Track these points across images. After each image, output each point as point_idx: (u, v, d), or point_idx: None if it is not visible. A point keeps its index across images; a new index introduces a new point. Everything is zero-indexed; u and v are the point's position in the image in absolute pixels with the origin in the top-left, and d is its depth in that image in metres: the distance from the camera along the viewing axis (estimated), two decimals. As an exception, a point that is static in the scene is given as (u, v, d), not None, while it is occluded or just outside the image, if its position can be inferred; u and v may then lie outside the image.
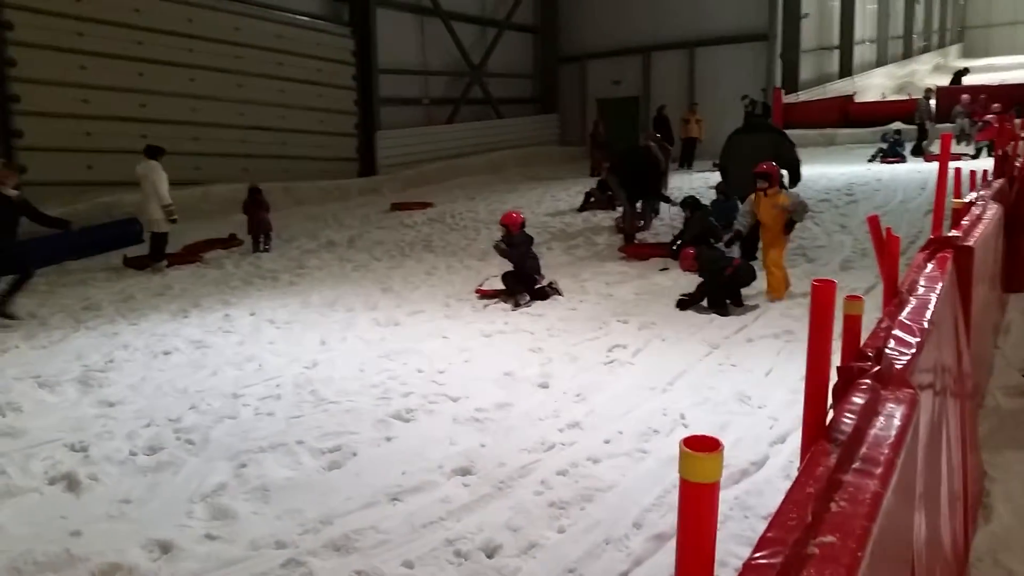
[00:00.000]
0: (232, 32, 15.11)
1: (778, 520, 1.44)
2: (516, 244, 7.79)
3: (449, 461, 4.16)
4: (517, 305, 7.45)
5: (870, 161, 16.89)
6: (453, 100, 20.68)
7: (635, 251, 9.63)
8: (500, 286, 7.83)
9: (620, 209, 10.94)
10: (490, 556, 3.32)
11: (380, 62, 18.00)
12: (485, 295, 7.80)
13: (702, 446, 1.19)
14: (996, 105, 17.45)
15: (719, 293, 7.10)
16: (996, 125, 15.81)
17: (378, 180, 17.57)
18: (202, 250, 10.59)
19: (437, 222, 13.20)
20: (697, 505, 1.19)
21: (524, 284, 7.66)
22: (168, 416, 5.01)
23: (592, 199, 13.35)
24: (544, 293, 7.71)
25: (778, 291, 7.32)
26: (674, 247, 8.68)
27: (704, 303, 7.07)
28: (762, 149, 8.46)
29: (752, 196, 7.39)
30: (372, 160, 18.01)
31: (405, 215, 14.00)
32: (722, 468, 1.19)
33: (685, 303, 7.15)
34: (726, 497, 3.69)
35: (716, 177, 11.23)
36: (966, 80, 26.23)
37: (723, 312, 6.92)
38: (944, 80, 26.89)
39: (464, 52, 20.66)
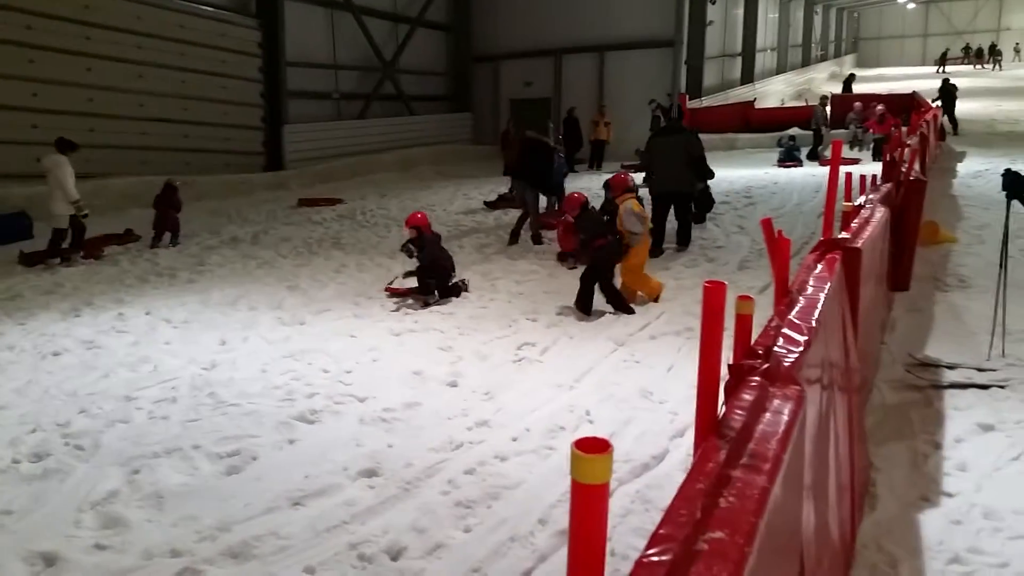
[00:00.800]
0: (132, 21, 14.44)
1: (669, 516, 1.47)
2: (427, 244, 7.70)
3: (354, 463, 4.10)
4: (426, 304, 7.41)
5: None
6: (364, 95, 20.38)
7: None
8: (410, 283, 7.76)
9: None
10: (394, 559, 3.29)
11: (288, 55, 17.56)
12: (395, 293, 7.70)
13: (592, 448, 1.21)
14: (880, 107, 18.43)
15: (605, 278, 6.99)
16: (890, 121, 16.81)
17: (285, 175, 17.15)
18: (96, 246, 10.08)
19: (347, 218, 12.99)
20: (588, 506, 1.20)
21: (436, 281, 7.60)
22: (56, 421, 4.77)
23: (505, 198, 13.37)
24: (456, 288, 7.70)
25: (652, 292, 7.43)
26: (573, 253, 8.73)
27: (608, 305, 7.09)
28: (677, 148, 9.37)
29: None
30: (279, 154, 17.56)
31: (313, 211, 13.72)
32: (611, 469, 1.20)
33: (585, 305, 7.00)
34: (628, 491, 3.78)
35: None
36: (857, 88, 27.59)
37: (622, 307, 6.97)
38: (839, 88, 28.22)
39: (376, 48, 20.39)
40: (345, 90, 19.94)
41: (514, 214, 12.28)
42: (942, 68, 40.64)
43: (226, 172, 16.03)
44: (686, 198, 9.64)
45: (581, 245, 7.16)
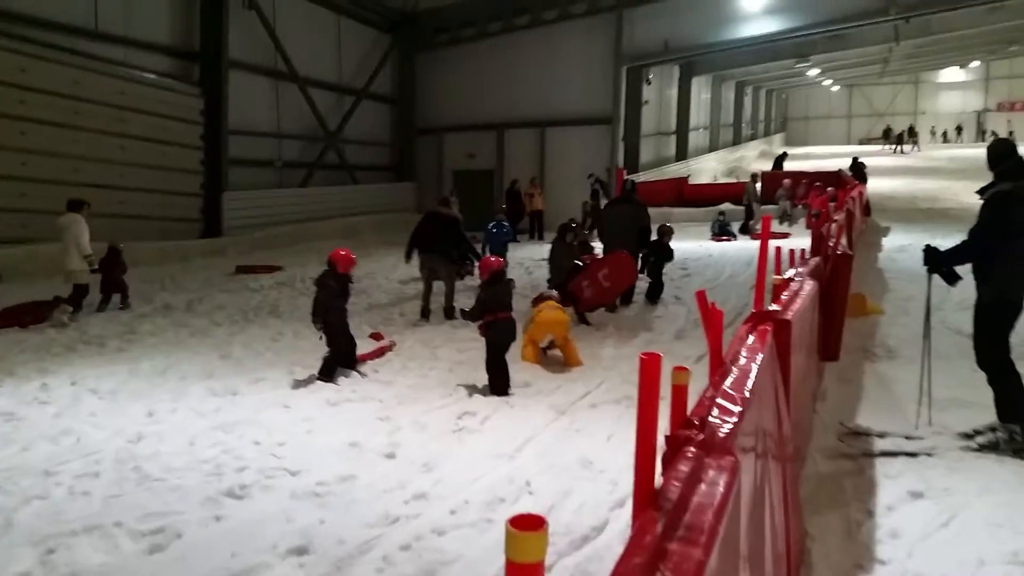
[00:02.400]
0: (70, 86, 14.25)
1: (607, 592, 1.45)
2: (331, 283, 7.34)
3: (284, 540, 3.94)
4: (326, 374, 7.11)
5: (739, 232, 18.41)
6: (308, 164, 20.42)
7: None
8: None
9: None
10: (325, 641, 3.15)
11: (231, 123, 17.54)
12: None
13: (527, 525, 1.19)
14: (817, 184, 19.32)
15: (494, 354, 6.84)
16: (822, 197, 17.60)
17: (223, 242, 16.91)
18: (24, 313, 9.68)
19: (286, 286, 12.81)
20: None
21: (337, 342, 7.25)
22: (-35, 499, 4.48)
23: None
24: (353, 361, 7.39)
25: (574, 360, 7.69)
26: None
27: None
28: (626, 217, 10.74)
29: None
30: (218, 221, 17.34)
31: (251, 278, 13.51)
32: (546, 547, 1.19)
33: (499, 386, 6.76)
34: (568, 564, 3.72)
35: None
36: (786, 165, 28.86)
37: (497, 388, 6.72)
38: (768, 165, 29.46)
39: (320, 118, 20.55)
40: (288, 158, 19.96)
41: (408, 303, 11.47)
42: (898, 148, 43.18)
43: (162, 238, 15.73)
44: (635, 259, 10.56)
45: (476, 313, 6.90)
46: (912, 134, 46.02)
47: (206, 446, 5.38)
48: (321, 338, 7.31)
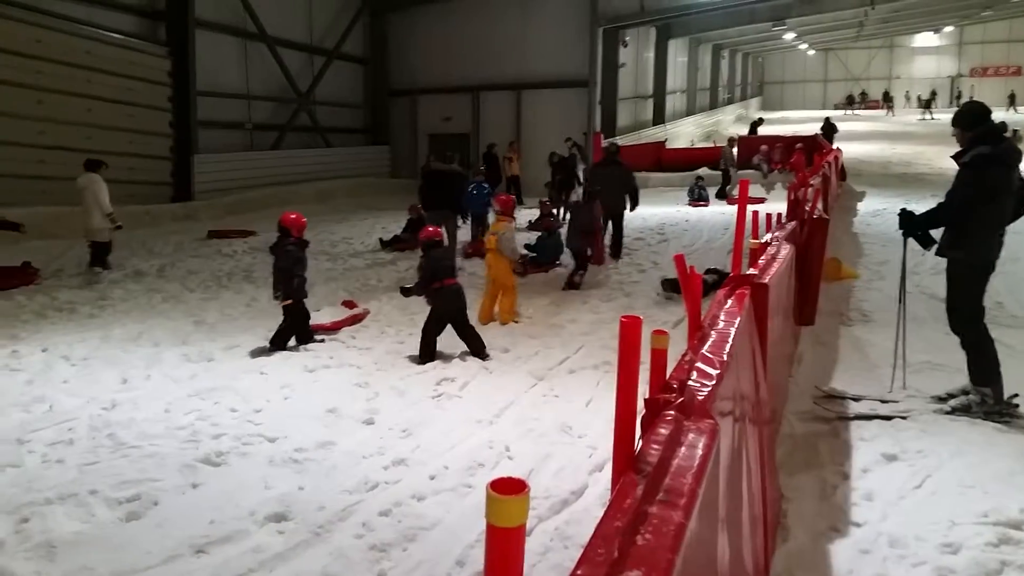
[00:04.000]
0: (32, 45, 13.80)
1: (587, 556, 1.44)
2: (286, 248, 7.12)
3: (263, 507, 3.93)
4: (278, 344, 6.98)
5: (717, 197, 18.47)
6: (279, 127, 20.06)
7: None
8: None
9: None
10: (304, 606, 3.15)
11: (200, 84, 17.14)
12: (316, 329, 7.46)
13: (508, 489, 1.17)
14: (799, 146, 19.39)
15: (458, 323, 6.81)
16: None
17: (195, 206, 16.63)
18: None
19: (259, 251, 12.62)
20: (503, 548, 1.17)
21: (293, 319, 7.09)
22: (-64, 467, 4.41)
23: (401, 239, 12.87)
24: (309, 335, 7.18)
25: (507, 315, 7.96)
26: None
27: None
28: (617, 177, 11.49)
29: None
30: (188, 185, 17.03)
31: (224, 243, 13.31)
32: (527, 511, 1.17)
33: (425, 353, 6.71)
34: (547, 528, 3.75)
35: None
36: (762, 130, 28.87)
37: (479, 352, 6.74)
38: (745, 129, 29.44)
39: (291, 79, 20.15)
40: (258, 121, 19.58)
41: (410, 257, 11.70)
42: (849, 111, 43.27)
43: (131, 203, 15.41)
44: (619, 217, 11.57)
45: (424, 282, 6.87)
46: (887, 98, 46.18)
47: (182, 413, 5.34)
48: (281, 306, 7.08)
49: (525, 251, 9.89)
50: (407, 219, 13.32)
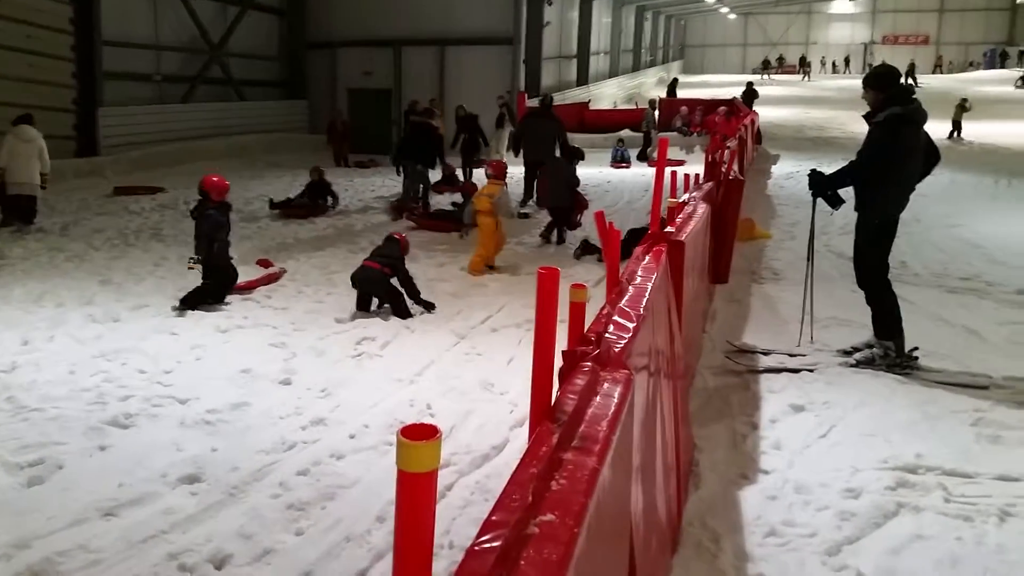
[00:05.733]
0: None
1: (502, 502, 1.45)
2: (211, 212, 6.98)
3: (174, 469, 3.81)
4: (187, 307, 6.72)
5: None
6: (189, 79, 19.18)
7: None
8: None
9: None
10: (219, 567, 3.09)
11: (105, 33, 16.21)
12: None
13: (419, 435, 1.15)
14: (723, 108, 19.71)
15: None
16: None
17: (100, 161, 15.80)
18: None
19: (169, 208, 12.17)
20: (415, 495, 1.15)
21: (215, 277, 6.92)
22: None
23: (293, 204, 11.93)
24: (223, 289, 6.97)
25: (474, 268, 8.18)
26: None
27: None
28: (549, 129, 11.72)
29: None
30: (94, 139, 16.16)
31: (131, 200, 12.73)
32: (439, 456, 1.15)
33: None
34: (468, 482, 3.77)
35: None
36: (682, 93, 29.25)
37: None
38: (664, 92, 29.76)
39: (202, 28, 19.24)
40: (168, 72, 18.66)
41: (303, 226, 11.15)
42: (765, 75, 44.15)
43: (31, 157, 14.57)
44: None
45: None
46: (804, 64, 47.33)
47: (87, 375, 5.11)
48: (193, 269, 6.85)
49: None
50: (307, 182, 12.30)
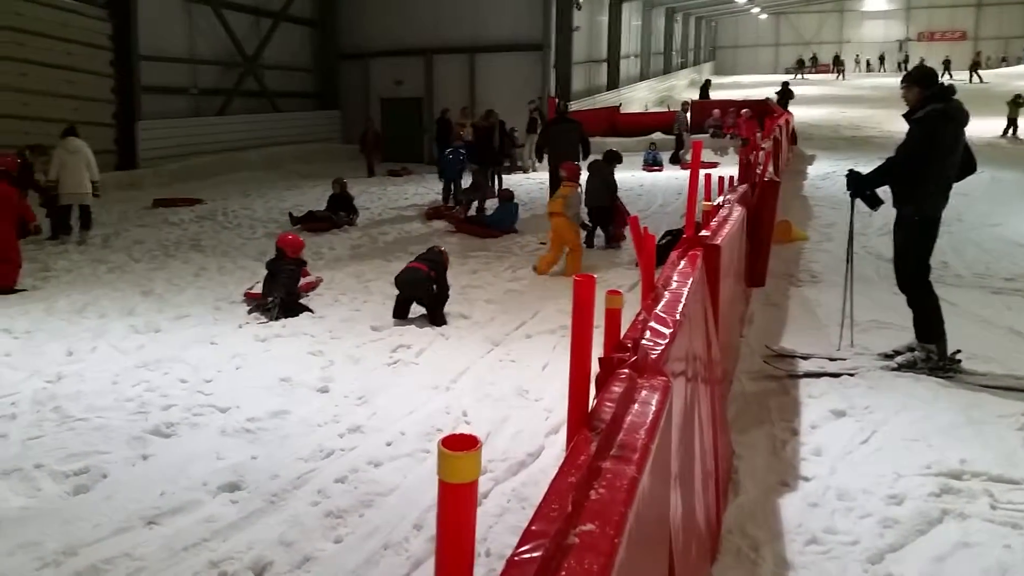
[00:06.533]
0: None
1: (541, 512, 1.44)
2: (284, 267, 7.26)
3: (215, 477, 3.86)
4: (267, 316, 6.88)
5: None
6: (225, 91, 19.53)
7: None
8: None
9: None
10: (260, 575, 3.12)
11: (142, 48, 16.56)
12: (257, 299, 7.32)
13: (460, 445, 1.16)
14: (746, 111, 19.54)
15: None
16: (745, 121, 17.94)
17: (139, 174, 16.16)
18: None
19: (207, 219, 12.38)
20: (456, 505, 1.15)
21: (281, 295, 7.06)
22: None
23: (316, 216, 11.76)
24: (300, 307, 7.13)
25: (572, 270, 8.30)
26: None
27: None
28: (570, 133, 11.91)
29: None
30: (133, 152, 16.52)
31: (170, 212, 12.99)
32: (480, 467, 1.15)
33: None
34: (504, 490, 3.76)
35: None
36: (714, 94, 29.02)
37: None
38: (697, 94, 29.55)
39: (237, 42, 19.58)
40: (204, 86, 19.02)
41: (337, 235, 11.24)
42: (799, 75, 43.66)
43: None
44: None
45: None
46: (837, 63, 46.70)
47: (130, 384, 5.21)
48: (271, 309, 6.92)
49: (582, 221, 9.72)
50: (330, 194, 12.27)
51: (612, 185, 9.95)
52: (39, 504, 3.69)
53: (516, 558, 1.29)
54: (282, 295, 6.99)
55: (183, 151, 17.58)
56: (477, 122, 14.03)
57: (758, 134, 12.93)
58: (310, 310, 7.12)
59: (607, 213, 9.74)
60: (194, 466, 4.00)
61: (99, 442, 4.30)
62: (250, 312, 7.00)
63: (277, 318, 6.78)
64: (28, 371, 5.48)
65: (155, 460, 4.12)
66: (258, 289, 7.44)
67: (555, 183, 12.34)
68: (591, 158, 10.87)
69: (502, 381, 5.29)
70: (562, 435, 4.38)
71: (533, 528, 1.37)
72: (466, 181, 13.59)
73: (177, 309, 7.16)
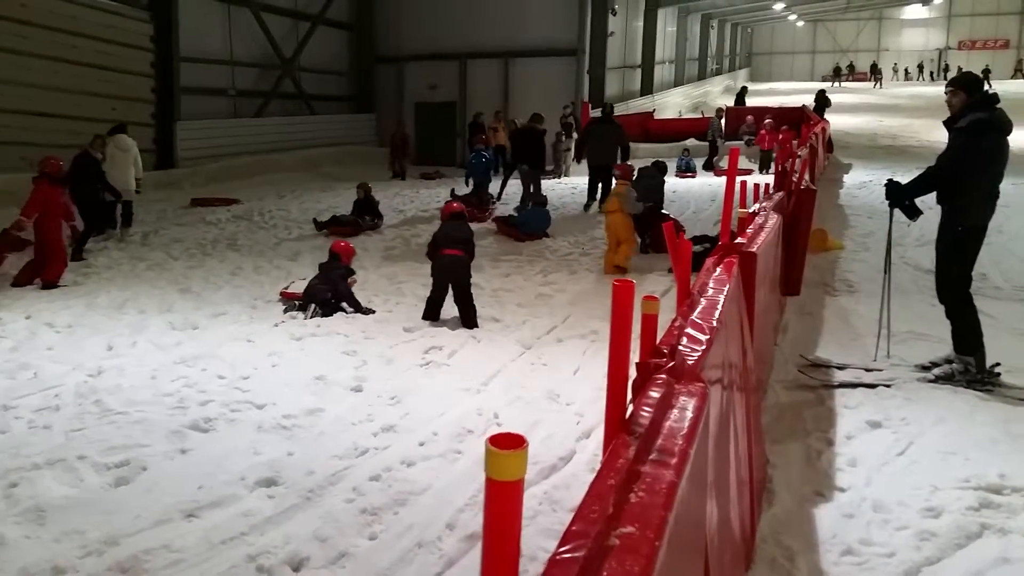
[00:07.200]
0: (17, 9, 13.49)
1: (581, 513, 1.46)
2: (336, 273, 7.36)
3: (252, 472, 3.93)
4: (306, 315, 7.00)
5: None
6: (263, 93, 19.77)
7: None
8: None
9: None
10: (296, 569, 3.17)
11: (182, 50, 16.86)
12: (292, 298, 7.43)
13: (507, 444, 1.18)
14: (768, 120, 19.36)
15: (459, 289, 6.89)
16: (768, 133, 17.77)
17: (178, 173, 16.42)
18: None
19: (243, 219, 12.56)
20: (502, 503, 1.17)
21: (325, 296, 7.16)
22: (-78, 432, 4.38)
23: (339, 221, 11.66)
24: (335, 307, 7.16)
25: (623, 260, 8.74)
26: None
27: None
28: (611, 134, 12.92)
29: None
30: (171, 152, 16.79)
31: (208, 211, 13.19)
32: (526, 465, 1.18)
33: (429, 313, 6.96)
34: (536, 492, 3.78)
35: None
36: (750, 101, 28.80)
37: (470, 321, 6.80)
38: (732, 101, 29.36)
39: (275, 44, 19.83)
40: (242, 87, 19.28)
41: (370, 236, 11.32)
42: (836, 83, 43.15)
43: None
44: (609, 169, 12.62)
45: (428, 250, 7.18)
46: (875, 71, 46.11)
47: (168, 380, 5.31)
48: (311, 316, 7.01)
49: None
50: (354, 200, 12.20)
51: (659, 193, 10.03)
52: (82, 494, 3.77)
53: (558, 558, 1.31)
54: (327, 296, 7.09)
55: (221, 152, 17.83)
56: (525, 125, 14.17)
57: (788, 143, 12.82)
58: (372, 311, 7.20)
59: (648, 220, 9.72)
60: (231, 461, 4.07)
61: (139, 435, 4.39)
62: (286, 311, 7.10)
63: (313, 316, 6.87)
64: (70, 364, 5.61)
65: (193, 454, 4.20)
66: (294, 288, 7.55)
67: (594, 183, 13.29)
68: (636, 164, 10.98)
69: (533, 384, 5.31)
70: (593, 439, 4.39)
71: (574, 529, 1.39)
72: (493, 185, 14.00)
73: (214, 307, 7.29)
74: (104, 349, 6.03)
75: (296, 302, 7.23)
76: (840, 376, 5.12)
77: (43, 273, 8.06)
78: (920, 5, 48.11)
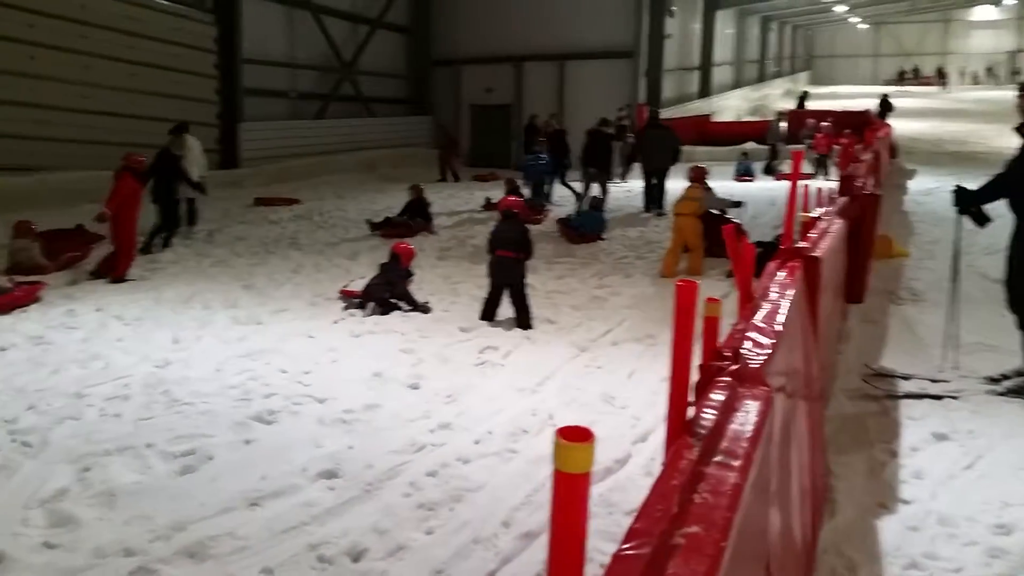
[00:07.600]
0: (78, 10, 13.97)
1: (645, 511, 1.46)
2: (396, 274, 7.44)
3: (313, 464, 4.02)
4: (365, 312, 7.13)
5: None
6: (323, 95, 20.16)
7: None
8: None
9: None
10: (355, 560, 3.23)
11: (245, 52, 17.28)
12: (351, 296, 7.57)
13: (576, 437, 1.19)
14: (825, 124, 18.98)
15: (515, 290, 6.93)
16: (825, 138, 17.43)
17: (240, 173, 16.84)
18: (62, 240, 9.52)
19: (304, 219, 12.82)
20: (570, 495, 1.19)
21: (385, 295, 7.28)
22: (2, 417, 4.58)
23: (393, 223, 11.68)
24: (392, 306, 7.25)
25: (694, 270, 8.65)
26: None
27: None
28: (664, 139, 13.37)
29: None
30: (234, 152, 17.23)
31: (270, 210, 13.51)
32: (594, 458, 1.19)
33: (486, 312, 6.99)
34: (591, 494, 3.76)
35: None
36: (810, 104, 28.24)
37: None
38: (793, 104, 28.82)
39: (335, 48, 20.21)
40: (303, 89, 19.69)
41: (427, 237, 11.38)
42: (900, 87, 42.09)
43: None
44: (664, 172, 13.34)
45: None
46: (941, 75, 44.75)
47: (233, 372, 5.46)
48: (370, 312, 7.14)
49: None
50: (406, 201, 12.22)
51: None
52: (150, 481, 3.91)
53: (622, 554, 1.32)
54: (385, 295, 7.21)
55: (282, 152, 18.22)
56: (592, 128, 14.26)
57: (851, 147, 12.51)
58: (429, 307, 7.31)
59: (707, 224, 9.60)
60: (293, 452, 4.17)
61: (205, 426, 4.53)
62: (345, 309, 7.23)
63: (372, 314, 6.99)
64: (139, 356, 5.82)
65: (257, 445, 4.32)
66: (353, 287, 7.67)
67: (650, 188, 13.48)
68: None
69: (588, 387, 5.31)
70: (649, 443, 4.37)
71: (637, 527, 1.40)
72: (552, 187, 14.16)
73: (276, 303, 7.46)
74: (171, 342, 6.22)
75: (355, 300, 7.35)
76: (905, 387, 4.99)
77: (111, 269, 8.34)
78: (991, 6, 46.48)
